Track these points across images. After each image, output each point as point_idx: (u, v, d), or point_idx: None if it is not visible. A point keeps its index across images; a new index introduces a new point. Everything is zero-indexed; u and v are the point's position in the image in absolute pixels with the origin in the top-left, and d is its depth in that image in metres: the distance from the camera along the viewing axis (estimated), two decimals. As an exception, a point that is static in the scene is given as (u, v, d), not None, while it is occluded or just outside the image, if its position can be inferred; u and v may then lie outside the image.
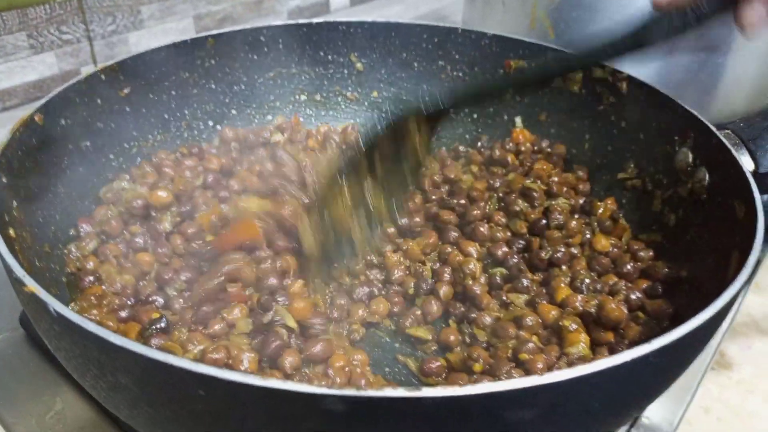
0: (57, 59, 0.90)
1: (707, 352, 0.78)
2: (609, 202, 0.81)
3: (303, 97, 1.01)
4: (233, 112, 0.97)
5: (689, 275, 0.67)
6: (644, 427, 0.68)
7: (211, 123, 0.95)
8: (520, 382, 0.38)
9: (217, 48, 0.92)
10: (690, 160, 0.73)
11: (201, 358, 0.56)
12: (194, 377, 0.38)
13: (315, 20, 0.97)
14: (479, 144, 0.96)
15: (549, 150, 0.92)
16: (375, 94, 1.03)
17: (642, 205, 0.80)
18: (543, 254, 0.74)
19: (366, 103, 1.03)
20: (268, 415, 0.40)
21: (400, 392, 0.38)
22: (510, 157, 0.91)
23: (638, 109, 0.82)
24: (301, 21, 0.96)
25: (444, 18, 1.63)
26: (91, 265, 0.69)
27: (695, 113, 0.73)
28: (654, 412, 0.69)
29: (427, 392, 0.38)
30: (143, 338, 0.58)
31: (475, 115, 1.00)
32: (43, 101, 0.70)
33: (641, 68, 0.82)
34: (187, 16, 1.05)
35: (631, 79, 0.82)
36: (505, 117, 0.98)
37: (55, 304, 0.43)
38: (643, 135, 0.82)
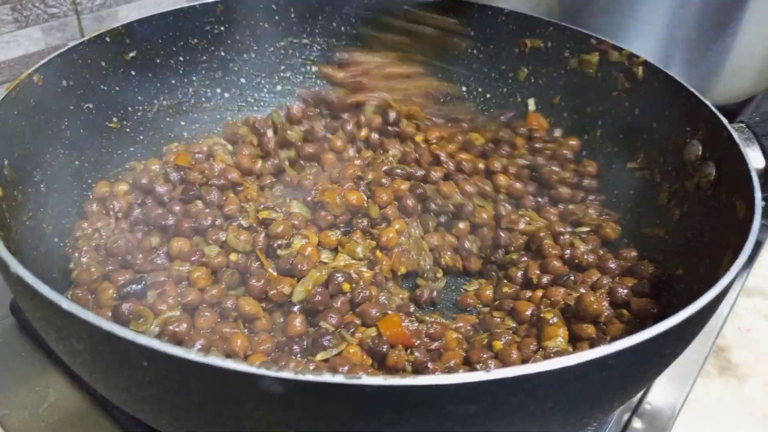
0: (43, 34, 0.87)
1: (709, 336, 0.77)
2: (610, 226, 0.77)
3: (314, 68, 1.00)
4: (242, 80, 0.96)
5: (685, 273, 0.64)
6: (646, 412, 0.68)
7: (219, 90, 0.95)
8: (461, 377, 0.37)
9: (227, 14, 0.91)
10: (699, 153, 0.70)
11: (163, 328, 0.56)
12: (137, 348, 0.39)
13: (328, -10, 0.95)
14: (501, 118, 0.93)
15: (561, 140, 0.88)
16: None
17: (648, 197, 0.77)
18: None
19: (378, 77, 1.01)
20: (210, 390, 0.39)
21: (340, 378, 0.37)
22: (519, 141, 0.89)
23: (653, 96, 0.78)
24: (314, -10, 0.95)
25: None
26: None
27: (708, 104, 0.69)
28: (656, 396, 0.70)
29: (367, 380, 0.37)
30: (118, 298, 0.59)
31: (488, 95, 0.97)
32: (42, 61, 0.70)
33: (646, 45, 0.78)
34: (179, -12, 1.02)
35: (647, 64, 0.79)
36: (519, 99, 0.95)
37: (16, 266, 0.44)
38: (656, 124, 0.78)
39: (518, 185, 0.83)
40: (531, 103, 0.94)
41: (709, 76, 0.88)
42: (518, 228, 0.77)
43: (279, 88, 0.99)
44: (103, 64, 0.79)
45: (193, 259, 0.67)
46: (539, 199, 0.84)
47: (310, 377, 0.37)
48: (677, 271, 0.65)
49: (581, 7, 0.89)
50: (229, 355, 0.58)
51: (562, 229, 0.75)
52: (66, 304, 0.40)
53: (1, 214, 0.58)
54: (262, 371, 0.37)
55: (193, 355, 0.37)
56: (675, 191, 0.73)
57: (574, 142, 0.88)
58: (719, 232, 0.61)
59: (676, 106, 0.74)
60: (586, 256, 0.70)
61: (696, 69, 0.87)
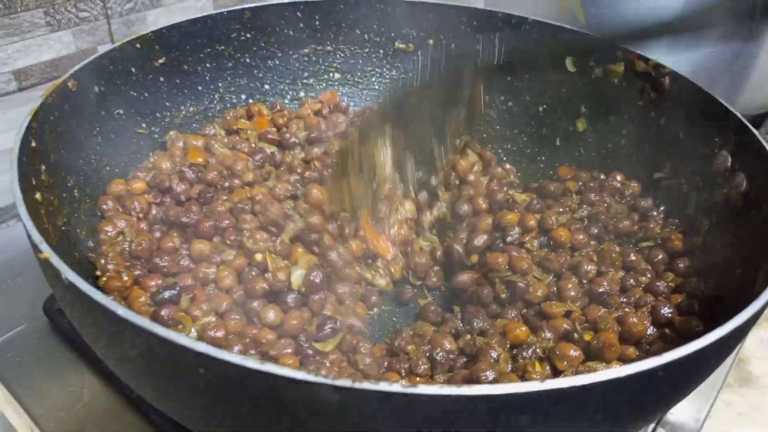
0: (74, 37, 0.89)
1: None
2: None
3: (337, 76, 1.01)
4: (266, 87, 0.97)
5: (716, 287, 0.64)
6: (670, 424, 0.68)
7: (243, 96, 0.95)
8: (517, 387, 0.37)
9: (254, 22, 0.91)
10: (729, 164, 0.70)
11: (201, 334, 0.56)
12: (195, 355, 0.39)
13: (354, -2, 0.95)
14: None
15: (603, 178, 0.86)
16: (410, 74, 1.01)
17: (676, 207, 0.78)
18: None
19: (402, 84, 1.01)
20: (265, 397, 0.40)
21: (396, 387, 0.38)
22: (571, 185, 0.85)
23: (680, 106, 0.79)
24: (341, -2, 0.95)
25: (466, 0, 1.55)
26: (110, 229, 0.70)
27: (738, 115, 0.69)
28: (680, 409, 0.69)
29: (423, 389, 0.38)
30: (153, 305, 0.59)
31: (510, 103, 0.98)
32: (77, 68, 0.71)
33: (672, 57, 0.78)
34: (205, -6, 1.03)
35: (674, 75, 0.79)
36: (540, 109, 0.95)
37: (67, 272, 0.44)
38: (683, 134, 0.78)
39: (581, 236, 0.75)
40: None
41: (734, 87, 0.89)
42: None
43: (302, 94, 0.99)
44: (133, 70, 0.80)
45: (217, 260, 0.67)
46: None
47: (367, 386, 0.37)
48: (708, 283, 0.66)
49: (606, 17, 0.90)
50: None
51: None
52: (122, 311, 0.41)
53: (40, 219, 0.58)
54: (321, 379, 0.37)
55: (250, 362, 0.38)
56: (703, 202, 0.73)
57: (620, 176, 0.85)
58: (752, 243, 0.61)
59: (703, 116, 0.75)
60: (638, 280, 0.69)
61: (721, 80, 0.87)
